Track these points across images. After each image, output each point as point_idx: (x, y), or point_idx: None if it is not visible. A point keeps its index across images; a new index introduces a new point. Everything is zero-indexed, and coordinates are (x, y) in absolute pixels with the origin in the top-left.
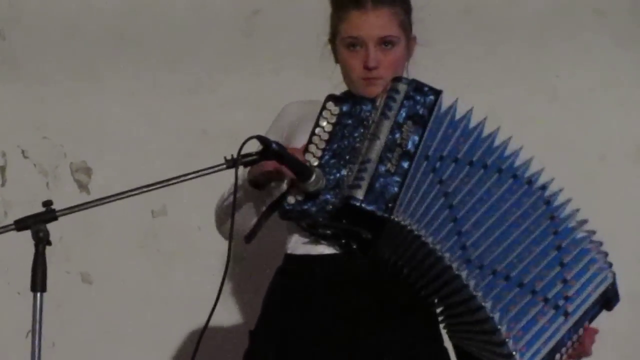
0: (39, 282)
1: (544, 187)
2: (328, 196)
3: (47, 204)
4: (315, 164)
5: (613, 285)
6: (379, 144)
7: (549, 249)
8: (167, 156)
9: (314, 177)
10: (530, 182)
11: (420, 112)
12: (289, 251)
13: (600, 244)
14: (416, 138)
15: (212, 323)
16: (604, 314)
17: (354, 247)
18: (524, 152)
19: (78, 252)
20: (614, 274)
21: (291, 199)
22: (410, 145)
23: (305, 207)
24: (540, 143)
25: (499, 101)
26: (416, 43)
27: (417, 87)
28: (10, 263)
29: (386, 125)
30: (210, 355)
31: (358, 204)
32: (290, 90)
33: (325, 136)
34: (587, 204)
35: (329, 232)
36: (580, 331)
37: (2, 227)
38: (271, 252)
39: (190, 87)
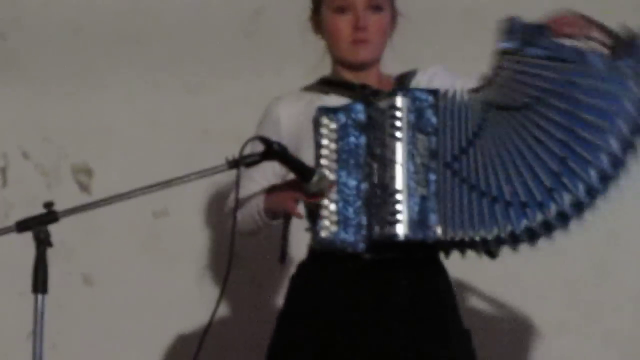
0: (40, 283)
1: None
2: (359, 219)
3: (48, 205)
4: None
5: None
6: (401, 170)
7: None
8: (169, 157)
9: (316, 177)
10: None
11: (428, 121)
12: (317, 248)
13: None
14: (434, 148)
15: (213, 323)
16: (608, 315)
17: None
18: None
19: (79, 253)
20: None
21: (324, 231)
22: (431, 160)
23: (342, 236)
24: None
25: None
26: (397, 18)
27: (415, 95)
28: (11, 264)
29: (400, 147)
30: (212, 356)
31: (404, 238)
32: (292, 90)
33: (334, 156)
34: None
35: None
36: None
37: (3, 229)
38: (273, 252)
39: (191, 87)
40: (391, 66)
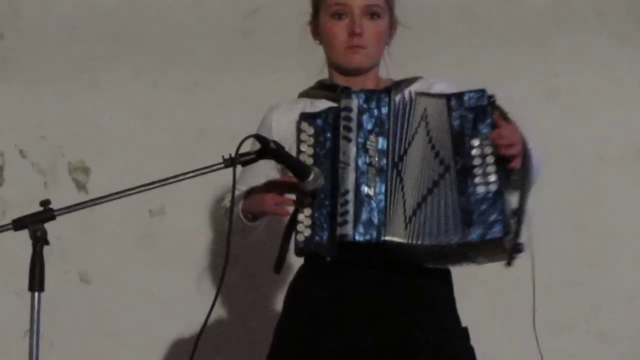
0: (36, 281)
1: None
2: (331, 221)
3: (45, 203)
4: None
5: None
6: (351, 171)
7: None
8: (165, 155)
9: (312, 175)
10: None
11: (379, 121)
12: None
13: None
14: (384, 149)
15: (209, 322)
16: (604, 314)
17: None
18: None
19: (76, 251)
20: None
21: (300, 236)
22: (382, 161)
23: (317, 239)
24: (539, 142)
25: (497, 100)
26: (397, 27)
27: (367, 96)
28: (8, 263)
29: (352, 149)
30: (209, 354)
31: (350, 239)
32: (288, 89)
33: (310, 160)
34: (586, 203)
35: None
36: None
37: (0, 227)
38: (268, 250)
39: (188, 86)
40: (384, 64)
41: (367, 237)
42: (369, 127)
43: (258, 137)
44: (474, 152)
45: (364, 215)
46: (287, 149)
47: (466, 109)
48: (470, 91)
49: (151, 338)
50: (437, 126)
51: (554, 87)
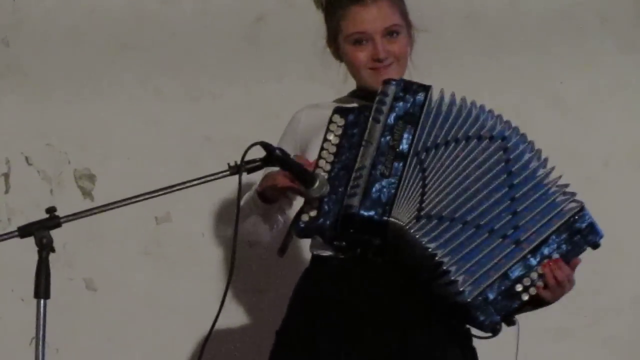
0: (42, 288)
1: (504, 138)
2: (339, 208)
3: (51, 210)
4: (326, 177)
5: (581, 215)
6: (371, 149)
7: (501, 188)
8: (171, 163)
9: (317, 183)
10: (491, 137)
11: (411, 110)
12: (315, 252)
13: (565, 185)
14: (409, 137)
15: (215, 330)
16: (608, 320)
17: (370, 255)
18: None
19: (82, 258)
20: (582, 204)
21: (305, 217)
22: (403, 145)
23: (319, 222)
24: (544, 149)
25: (502, 107)
26: (415, 29)
27: (406, 86)
28: (13, 270)
29: (378, 129)
30: None
31: (355, 211)
32: (294, 96)
33: (333, 149)
34: (590, 210)
35: (344, 243)
36: (546, 262)
37: (6, 234)
38: (273, 256)
39: (193, 94)
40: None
41: (372, 212)
42: (401, 113)
43: (264, 145)
44: (541, 268)
45: (374, 192)
46: (312, 137)
47: (576, 228)
48: (593, 222)
49: (157, 345)
50: (529, 204)
51: (558, 93)
